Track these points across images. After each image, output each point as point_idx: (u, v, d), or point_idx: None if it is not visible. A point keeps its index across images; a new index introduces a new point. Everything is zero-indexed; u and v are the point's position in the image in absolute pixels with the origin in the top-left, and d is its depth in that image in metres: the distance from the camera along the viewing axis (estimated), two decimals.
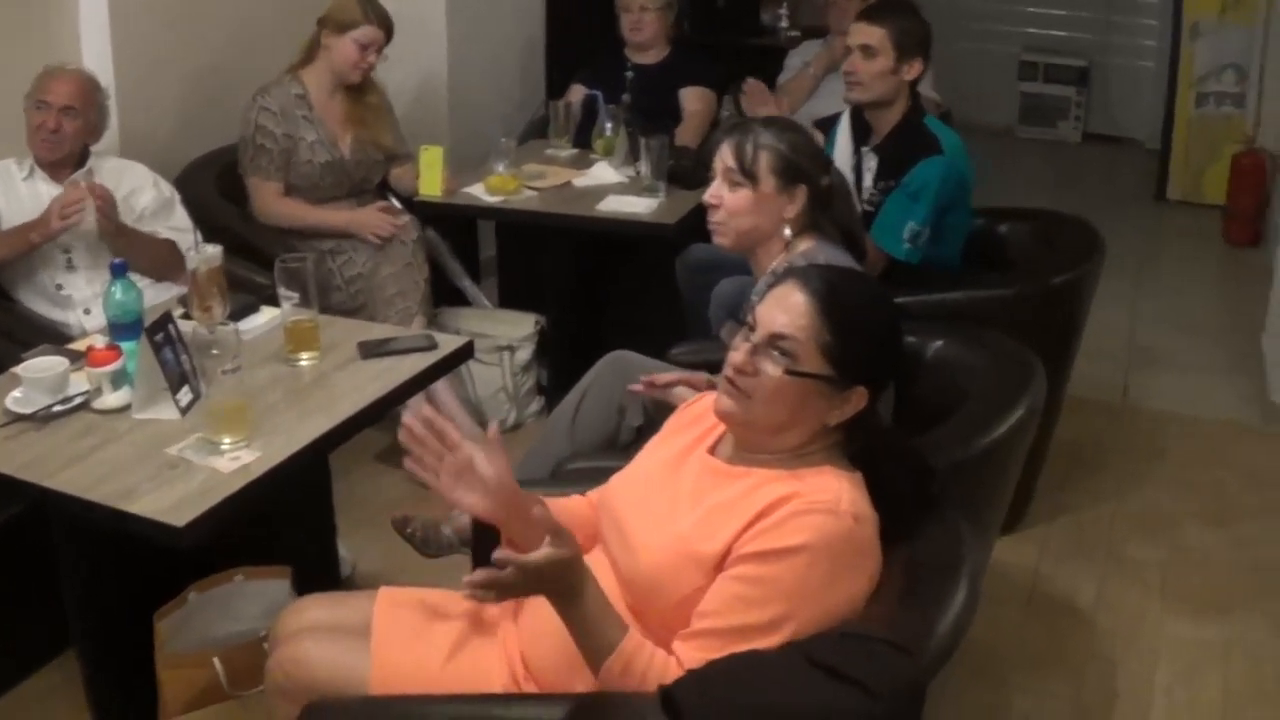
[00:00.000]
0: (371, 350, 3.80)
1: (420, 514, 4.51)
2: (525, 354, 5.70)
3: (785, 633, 2.36)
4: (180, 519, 2.93)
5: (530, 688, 2.64)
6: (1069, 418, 5.06)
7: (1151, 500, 5.12)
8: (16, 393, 3.44)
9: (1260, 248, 7.98)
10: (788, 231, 3.61)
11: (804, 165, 3.61)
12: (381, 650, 2.72)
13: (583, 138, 6.15)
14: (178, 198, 4.94)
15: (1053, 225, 4.99)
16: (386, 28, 5.41)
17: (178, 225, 4.84)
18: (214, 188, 5.45)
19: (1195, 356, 6.50)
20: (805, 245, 3.59)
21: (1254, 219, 8.16)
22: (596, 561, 2.66)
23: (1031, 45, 10.44)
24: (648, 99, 6.20)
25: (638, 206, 5.32)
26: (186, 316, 3.84)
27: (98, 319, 4.19)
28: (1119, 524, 4.94)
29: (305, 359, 3.73)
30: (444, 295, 5.80)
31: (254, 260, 4.68)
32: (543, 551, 2.34)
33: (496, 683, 2.66)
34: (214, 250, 3.92)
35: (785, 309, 2.54)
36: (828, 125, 4.97)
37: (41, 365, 3.50)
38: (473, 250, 6.40)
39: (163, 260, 4.68)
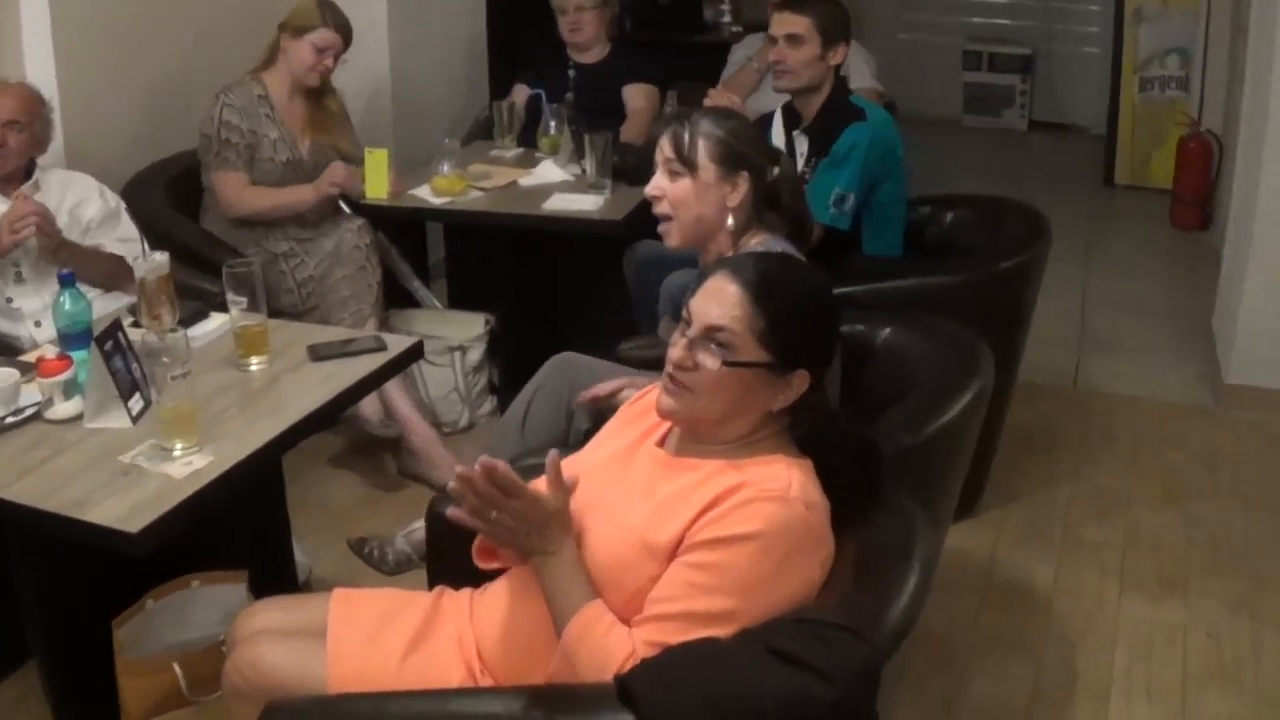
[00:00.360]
0: (321, 353, 3.80)
1: (375, 533, 4.55)
2: (476, 354, 5.71)
3: (738, 620, 2.37)
4: (134, 525, 2.93)
5: (487, 682, 2.65)
6: (1021, 403, 5.10)
7: (1106, 483, 5.15)
8: None
9: (1208, 230, 8.05)
10: (730, 221, 3.58)
11: (745, 152, 3.58)
12: (337, 650, 2.72)
13: (528, 137, 6.17)
14: (124, 207, 4.91)
15: (998, 211, 5.01)
16: (345, 33, 5.43)
17: (125, 235, 4.81)
18: (163, 197, 5.43)
19: (1146, 339, 6.55)
20: (754, 241, 3.58)
21: (1201, 202, 8.22)
22: None
23: (975, 34, 10.50)
24: (591, 97, 6.21)
25: (584, 204, 5.33)
26: (136, 325, 3.83)
27: (48, 331, 4.17)
28: (1074, 507, 4.96)
29: (255, 363, 3.73)
30: (394, 298, 5.80)
31: (203, 268, 4.66)
32: (532, 485, 2.41)
33: (454, 678, 2.66)
34: (161, 258, 3.91)
35: (719, 301, 2.55)
36: (762, 125, 4.98)
37: None
38: (421, 252, 6.40)
39: (109, 272, 4.66)
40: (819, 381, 2.59)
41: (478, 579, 2.82)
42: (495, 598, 2.72)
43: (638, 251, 5.10)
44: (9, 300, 4.62)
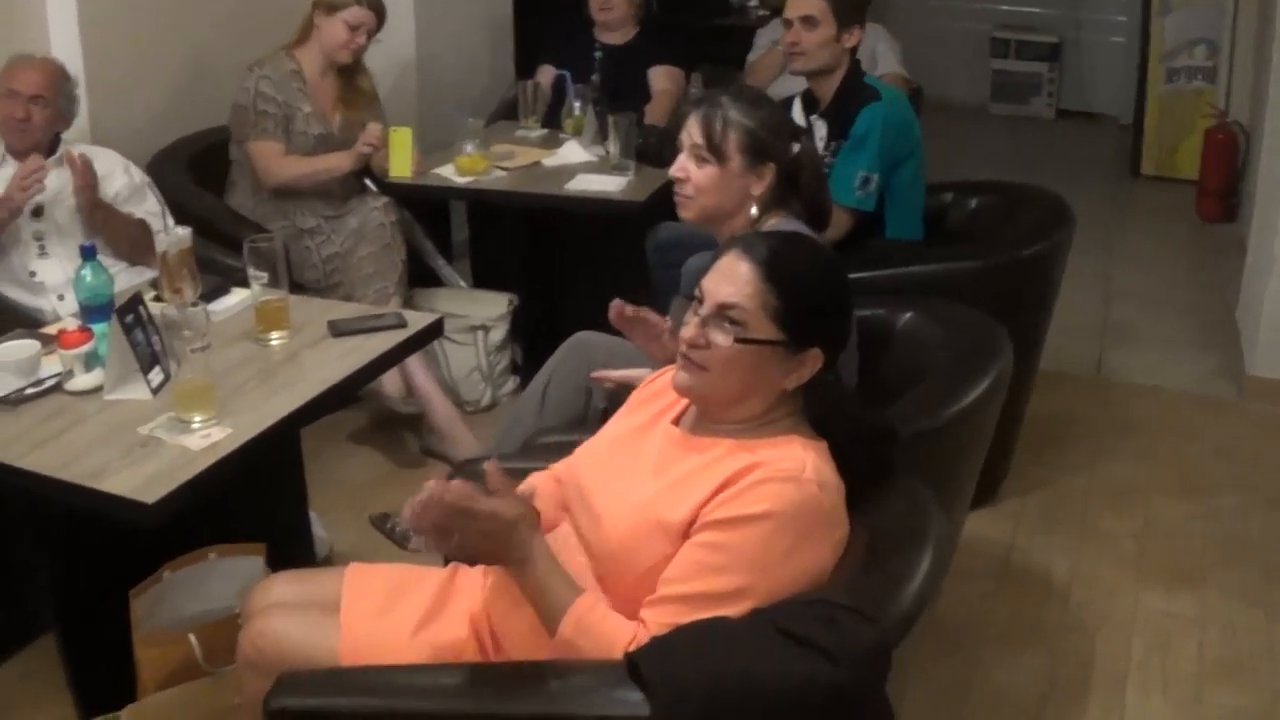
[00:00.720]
0: (342, 329, 3.81)
1: (397, 510, 4.54)
2: (499, 334, 5.72)
3: (749, 600, 2.37)
4: (150, 496, 2.95)
5: (500, 658, 2.66)
6: (1043, 392, 5.08)
7: (1126, 473, 5.13)
8: None
9: (1233, 222, 8.00)
10: (754, 210, 3.56)
11: (772, 142, 3.54)
12: (350, 623, 2.74)
13: (552, 118, 6.17)
14: (149, 183, 4.94)
15: (1021, 198, 5.00)
16: (378, 11, 5.46)
17: (150, 210, 4.84)
18: (187, 172, 5.46)
19: (1169, 330, 6.53)
20: (772, 223, 3.57)
21: (1226, 193, 8.18)
22: (564, 535, 2.68)
23: (1003, 22, 10.46)
24: (617, 79, 6.21)
25: (607, 185, 5.34)
26: (158, 299, 3.85)
27: (71, 304, 4.18)
28: (1093, 497, 4.96)
29: (275, 338, 3.75)
30: (419, 276, 5.82)
31: (227, 244, 4.69)
32: (484, 501, 2.40)
33: (466, 653, 2.67)
34: (183, 232, 3.94)
35: (730, 279, 2.56)
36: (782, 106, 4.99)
37: (13, 348, 3.52)
38: (446, 232, 6.43)
39: (138, 240, 4.69)
40: (832, 361, 2.59)
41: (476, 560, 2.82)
42: (508, 576, 2.73)
43: (659, 233, 5.10)
44: (32, 274, 4.65)
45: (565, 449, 2.92)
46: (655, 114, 6.13)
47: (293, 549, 3.83)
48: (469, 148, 5.59)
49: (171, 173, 5.37)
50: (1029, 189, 5.12)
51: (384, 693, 2.45)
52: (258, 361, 3.66)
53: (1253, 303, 5.95)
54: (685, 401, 2.72)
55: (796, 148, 3.57)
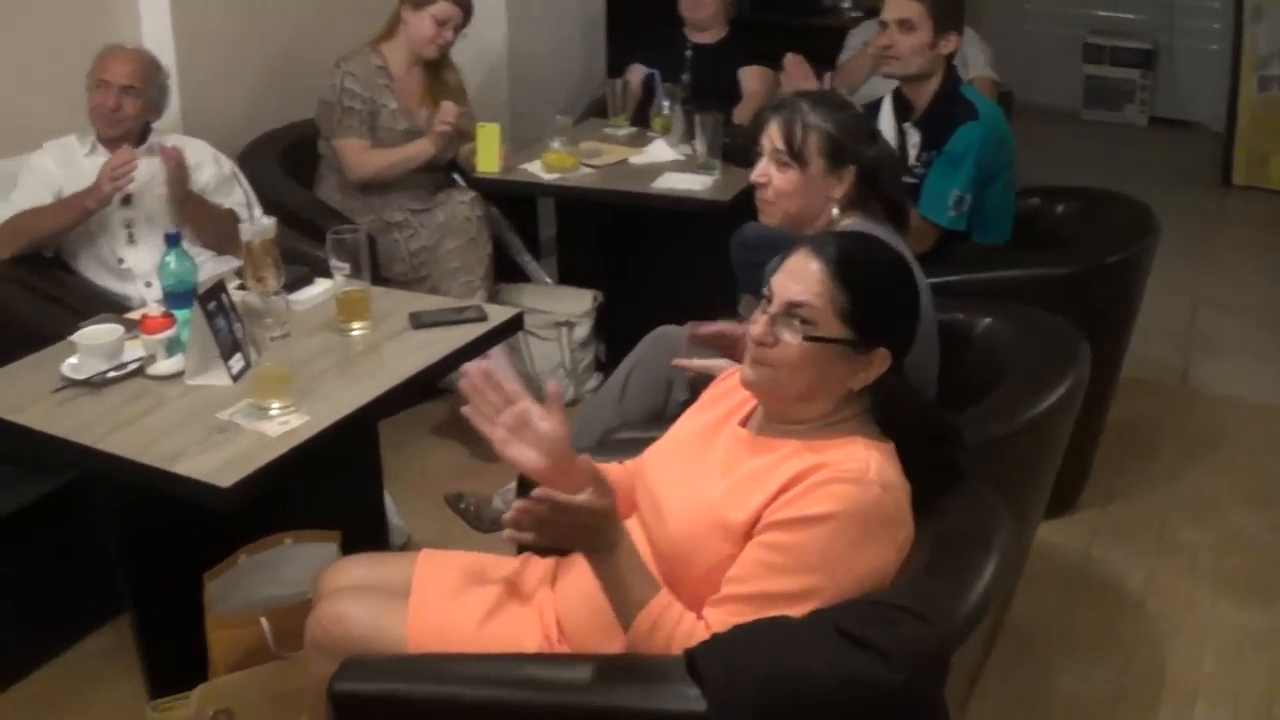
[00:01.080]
0: (423, 320, 3.85)
1: (473, 489, 4.59)
2: (583, 330, 5.75)
3: (811, 601, 2.37)
4: (225, 480, 2.99)
5: (563, 650, 2.68)
6: (1126, 400, 5.06)
7: (1205, 485, 5.09)
8: (73, 359, 3.51)
9: None
10: (835, 211, 3.55)
11: (852, 145, 3.54)
12: (419, 608, 2.77)
13: (641, 117, 6.19)
14: (238, 173, 5.00)
15: (1107, 205, 4.96)
16: (465, 6, 5.50)
17: (237, 201, 4.91)
18: (277, 164, 5.53)
19: (1256, 342, 6.46)
20: (848, 223, 3.56)
21: None
22: (631, 530, 2.69)
23: (1096, 27, 10.37)
24: (707, 78, 6.23)
25: (692, 183, 5.37)
26: (242, 287, 3.90)
27: (158, 291, 4.24)
28: (1172, 508, 4.91)
29: (356, 328, 3.79)
30: (505, 272, 5.86)
31: (314, 235, 4.73)
32: (581, 496, 2.37)
33: (530, 645, 2.69)
34: (268, 222, 3.99)
35: (799, 277, 2.55)
36: (869, 109, 4.95)
37: (96, 332, 3.57)
38: (533, 229, 6.45)
39: (225, 230, 4.74)
40: (899, 362, 2.59)
41: (565, 550, 2.84)
42: (577, 568, 2.74)
43: (744, 233, 5.09)
44: (120, 261, 4.72)
45: (640, 445, 2.93)
46: (744, 114, 6.13)
47: (368, 537, 3.86)
48: (556, 144, 5.63)
49: (262, 164, 5.44)
50: (1115, 195, 5.08)
51: (447, 680, 2.47)
52: (338, 351, 3.70)
53: None
54: (753, 402, 2.73)
55: (874, 152, 3.56)
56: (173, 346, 3.54)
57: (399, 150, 5.49)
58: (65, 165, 4.73)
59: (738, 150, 5.37)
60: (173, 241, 3.74)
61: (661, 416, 3.94)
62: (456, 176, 5.70)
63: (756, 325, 2.59)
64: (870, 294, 2.54)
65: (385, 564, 3.08)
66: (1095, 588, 4.44)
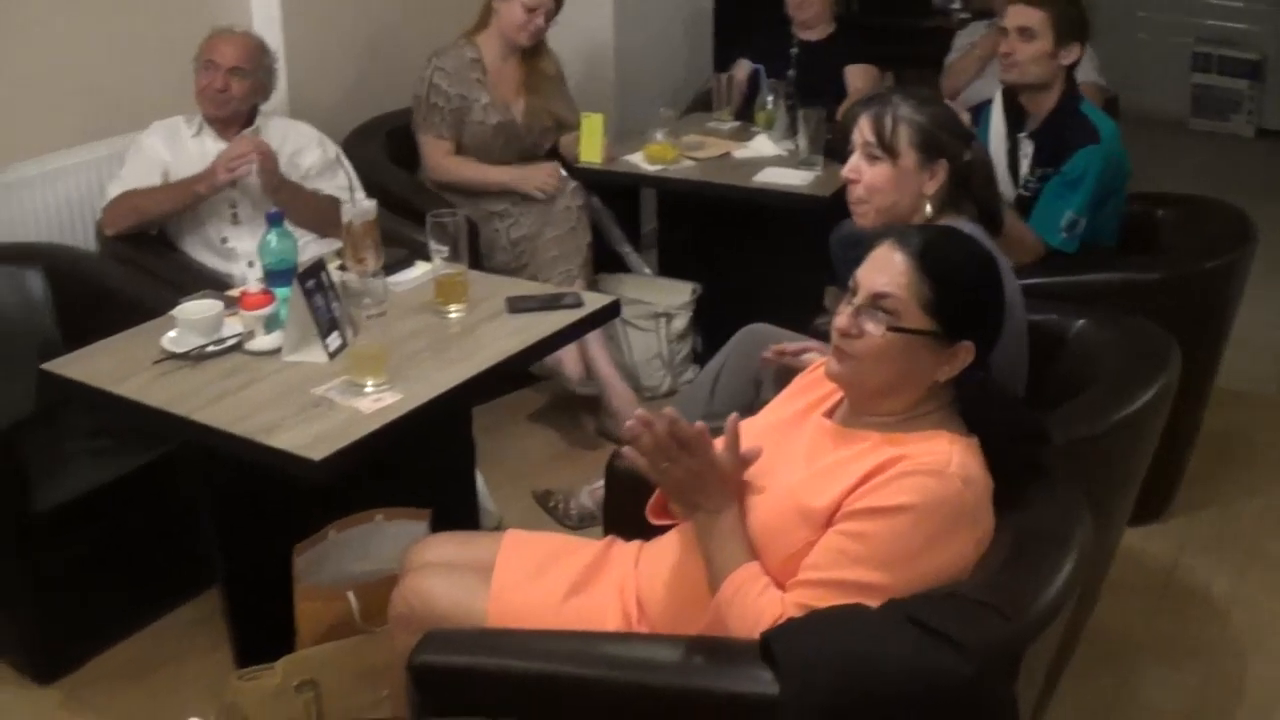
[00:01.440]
0: (519, 305, 3.88)
1: (560, 486, 4.63)
2: (682, 321, 5.78)
3: (887, 591, 2.39)
4: (317, 454, 3.05)
5: (643, 630, 2.71)
6: (1221, 410, 5.01)
7: None
8: (172, 333, 3.58)
9: None
10: (929, 209, 3.51)
11: (945, 139, 3.50)
12: (501, 585, 2.82)
13: (746, 112, 6.20)
14: (341, 156, 5.05)
15: (1206, 212, 4.92)
16: None
17: (339, 185, 4.95)
18: (383, 149, 5.60)
19: None
20: (942, 222, 3.56)
21: None
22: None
23: (1205, 36, 10.26)
24: (812, 75, 6.22)
25: (794, 179, 5.38)
26: (343, 268, 3.95)
27: (260, 270, 4.31)
28: (1264, 520, 4.87)
29: (453, 311, 3.83)
30: (605, 262, 5.91)
31: (417, 220, 4.77)
32: (717, 451, 2.48)
33: (610, 623, 2.73)
34: (369, 204, 4.03)
35: (884, 269, 2.57)
36: (977, 110, 4.94)
37: (196, 307, 3.64)
38: (635, 221, 6.48)
39: (324, 215, 4.80)
40: (984, 356, 2.60)
41: (649, 534, 2.89)
42: (661, 550, 2.78)
43: (843, 229, 5.10)
44: (224, 240, 4.79)
45: None
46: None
47: (458, 518, 3.90)
48: (659, 136, 5.65)
49: (367, 148, 5.52)
50: (1214, 203, 5.02)
51: (525, 655, 2.50)
52: (434, 332, 3.74)
53: None
54: (839, 394, 2.75)
55: (968, 154, 3.53)
56: (271, 323, 3.61)
57: (480, 169, 5.56)
58: (172, 145, 4.81)
59: (840, 147, 5.38)
60: (275, 220, 3.80)
61: (751, 411, 3.96)
62: (558, 167, 5.74)
63: (841, 316, 2.60)
64: (954, 286, 2.55)
65: (473, 542, 3.13)
66: (1181, 597, 4.42)
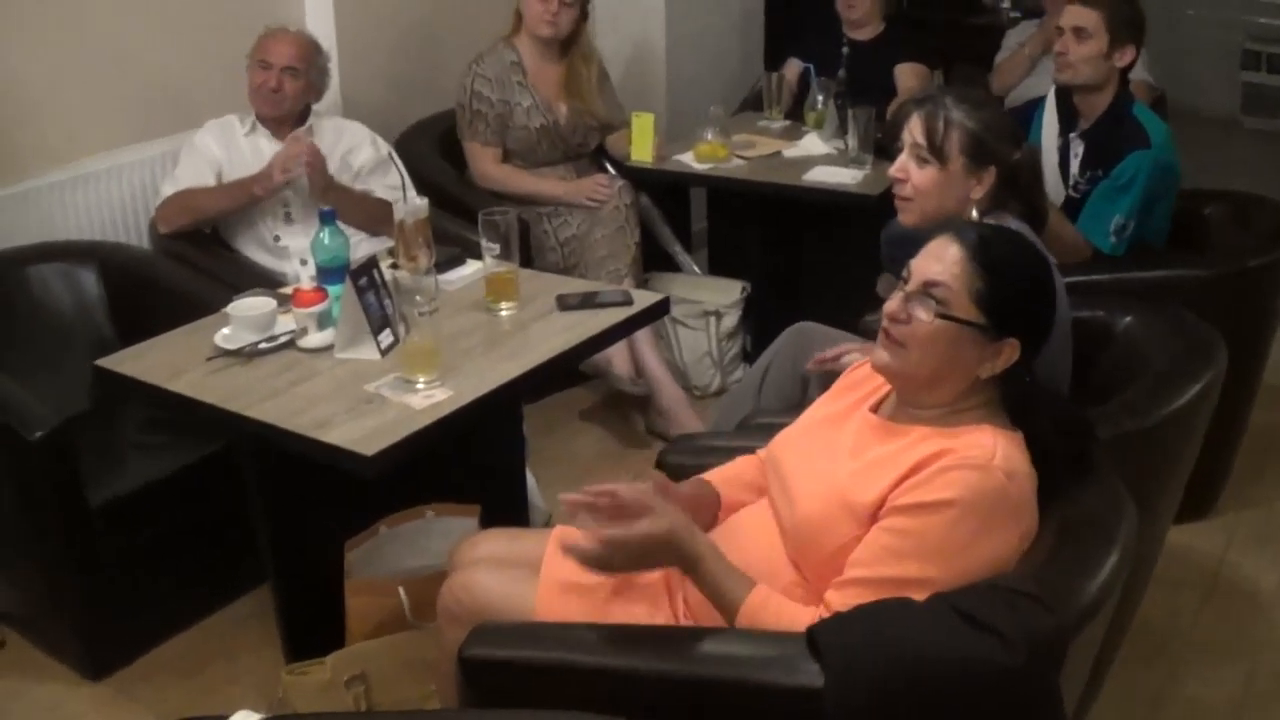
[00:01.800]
0: (569, 303, 3.91)
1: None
2: (731, 320, 5.80)
3: (933, 585, 2.41)
4: (369, 449, 3.09)
5: (689, 624, 2.73)
6: (1268, 408, 5.00)
7: None
8: (225, 330, 3.63)
9: None
10: (974, 214, 3.52)
11: (995, 146, 3.51)
12: (548, 580, 2.84)
13: (797, 111, 6.21)
14: (393, 155, 5.09)
15: (1255, 210, 4.92)
16: None
17: (393, 183, 4.98)
18: (434, 148, 5.65)
19: None
20: (989, 220, 3.55)
21: None
22: (760, 511, 2.76)
23: (1256, 34, 10.21)
24: (863, 74, 6.22)
25: (843, 177, 5.38)
26: (395, 266, 3.99)
27: (313, 269, 4.34)
28: None
29: (504, 308, 3.87)
30: (654, 261, 5.93)
31: (469, 219, 4.81)
32: (636, 529, 2.49)
33: (657, 618, 2.75)
34: (421, 203, 4.07)
35: (938, 258, 2.59)
36: (1028, 109, 4.94)
37: (249, 304, 3.69)
38: (685, 220, 6.50)
39: (372, 216, 4.85)
40: (1030, 356, 2.61)
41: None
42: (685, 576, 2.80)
43: (893, 227, 5.11)
44: (276, 239, 4.83)
45: (777, 430, 2.98)
46: None
47: (508, 514, 3.92)
48: (709, 135, 5.67)
49: (420, 148, 5.58)
50: (1262, 200, 5.01)
51: (574, 647, 2.52)
52: (485, 330, 3.78)
53: None
54: (885, 390, 2.77)
55: (1016, 156, 3.54)
56: (323, 320, 3.65)
57: (530, 179, 5.60)
58: (225, 144, 4.86)
59: (889, 145, 5.39)
60: (327, 218, 3.83)
61: (799, 409, 3.96)
62: (606, 164, 5.76)
63: (892, 301, 2.63)
64: (1006, 282, 2.56)
65: (521, 539, 3.15)
66: (1227, 592, 4.42)
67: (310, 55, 4.86)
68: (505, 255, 3.86)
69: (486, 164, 5.56)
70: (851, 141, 5.52)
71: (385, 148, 5.10)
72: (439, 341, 3.43)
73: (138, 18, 5.01)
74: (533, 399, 4.57)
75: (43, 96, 4.77)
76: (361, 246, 4.60)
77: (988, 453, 2.47)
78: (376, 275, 3.61)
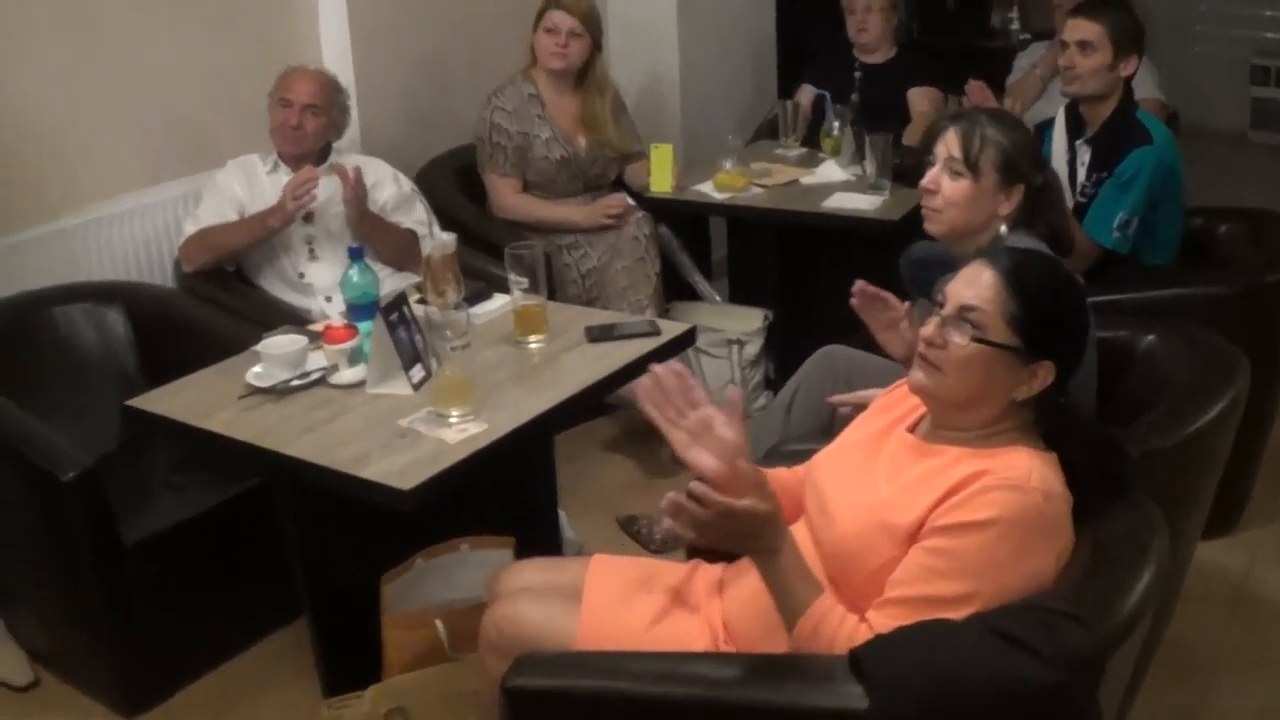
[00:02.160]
0: (597, 335, 3.94)
1: (643, 507, 4.68)
2: (754, 348, 5.83)
3: (971, 605, 2.43)
4: (407, 483, 3.11)
5: (729, 649, 2.76)
6: None
7: None
8: (257, 368, 3.66)
9: None
10: (1003, 229, 3.58)
11: (1025, 164, 3.58)
12: (590, 610, 2.86)
13: (812, 138, 6.24)
14: (417, 192, 5.13)
15: (1270, 226, 4.94)
16: (578, 13, 5.53)
17: (418, 219, 5.03)
18: (453, 184, 5.67)
19: None
20: (1014, 239, 3.57)
21: None
22: (798, 532, 2.77)
23: (1264, 49, 10.23)
24: (875, 99, 6.25)
25: (862, 203, 5.41)
26: (422, 301, 4.01)
27: (338, 306, 4.36)
28: None
29: (533, 341, 3.89)
30: (676, 291, 5.96)
31: (490, 253, 4.85)
32: (745, 501, 2.44)
33: (698, 647, 2.77)
34: (448, 237, 4.09)
35: (973, 283, 2.62)
36: (1038, 132, 4.99)
37: (281, 342, 3.71)
38: (705, 250, 6.54)
39: (403, 248, 4.88)
40: (1064, 380, 2.64)
41: (733, 556, 2.92)
42: (745, 572, 2.80)
43: (913, 253, 5.13)
44: (301, 275, 4.86)
45: (806, 456, 3.02)
46: (913, 136, 6.13)
47: (541, 545, 3.94)
48: (728, 164, 5.71)
49: (438, 183, 5.59)
50: (1276, 216, 5.03)
51: (617, 676, 2.53)
52: (515, 363, 3.81)
53: None
54: (920, 410, 2.80)
55: (1041, 179, 3.60)
56: (354, 357, 3.68)
57: (549, 207, 5.63)
58: (248, 183, 4.90)
59: (907, 171, 5.41)
60: (356, 255, 3.87)
61: (829, 433, 3.99)
62: (626, 196, 5.80)
63: (928, 327, 2.66)
64: (1040, 306, 2.60)
65: (559, 568, 3.18)
66: (1254, 607, 4.43)
67: (331, 93, 4.90)
68: (533, 289, 3.89)
69: (506, 195, 5.59)
70: (870, 167, 5.54)
71: (408, 184, 5.14)
72: (471, 375, 3.46)
73: (159, 60, 5.05)
74: (557, 430, 4.59)
75: (67, 139, 4.82)
76: (386, 282, 4.62)
77: (1024, 473, 2.50)
78: (406, 311, 3.64)
